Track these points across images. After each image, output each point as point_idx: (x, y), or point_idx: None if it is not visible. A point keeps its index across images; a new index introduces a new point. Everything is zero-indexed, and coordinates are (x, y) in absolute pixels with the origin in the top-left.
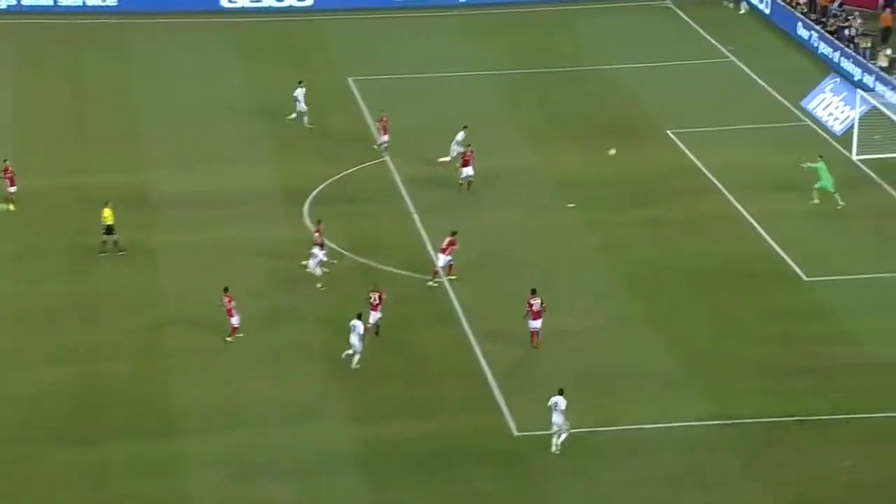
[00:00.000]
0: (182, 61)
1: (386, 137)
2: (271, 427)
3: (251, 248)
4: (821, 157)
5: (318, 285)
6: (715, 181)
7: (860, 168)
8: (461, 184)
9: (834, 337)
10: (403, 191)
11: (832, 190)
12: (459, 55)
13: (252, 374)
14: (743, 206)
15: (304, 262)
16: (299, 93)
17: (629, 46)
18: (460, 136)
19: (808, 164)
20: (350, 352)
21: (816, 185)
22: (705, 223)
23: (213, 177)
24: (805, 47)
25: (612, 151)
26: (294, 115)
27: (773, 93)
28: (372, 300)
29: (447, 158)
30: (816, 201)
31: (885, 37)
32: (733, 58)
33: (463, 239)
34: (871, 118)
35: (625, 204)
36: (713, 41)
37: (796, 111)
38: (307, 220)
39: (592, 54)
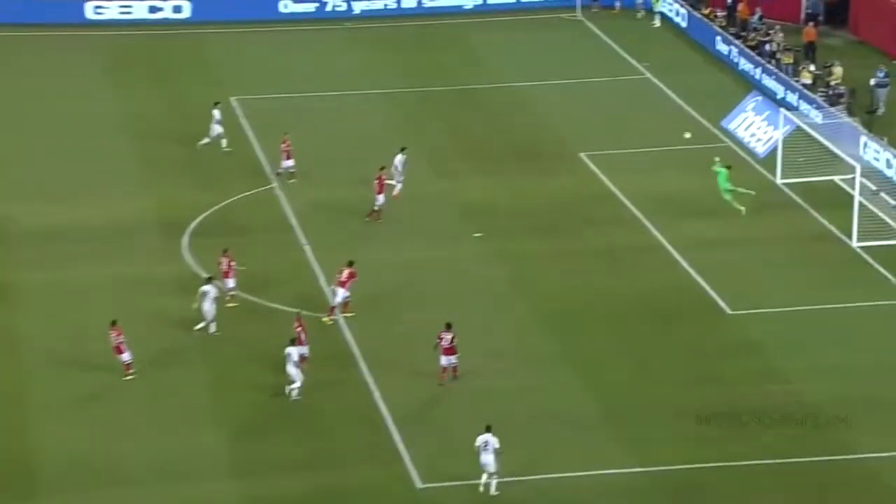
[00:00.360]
0: (43, 79)
1: (290, 162)
2: (147, 485)
3: (124, 287)
4: (729, 166)
5: (197, 327)
6: (632, 208)
7: (785, 192)
8: (375, 210)
9: (762, 376)
10: (293, 220)
11: (728, 196)
12: (351, 72)
13: (126, 426)
14: (662, 235)
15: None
16: (217, 114)
17: (536, 62)
18: (399, 158)
19: (717, 161)
20: (292, 387)
21: (734, 201)
22: (622, 253)
23: (79, 207)
24: (724, 63)
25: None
26: (223, 142)
27: (692, 112)
28: (297, 332)
29: (398, 187)
30: (742, 209)
31: (808, 52)
32: (648, 74)
33: (360, 273)
34: (796, 139)
35: (536, 233)
36: (627, 56)
37: (717, 132)
38: (186, 254)
39: (497, 71)
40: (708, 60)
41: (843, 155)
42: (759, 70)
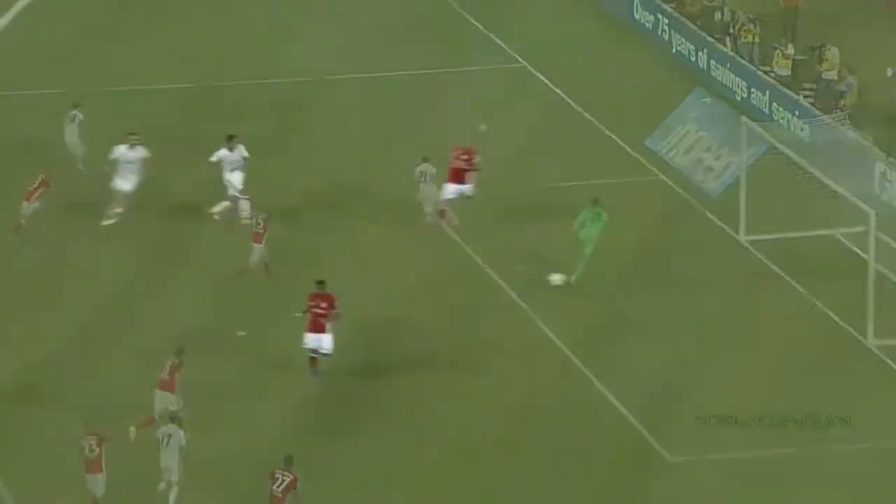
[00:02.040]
0: None
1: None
2: None
3: None
4: (597, 202)
5: None
6: (500, 283)
7: (753, 256)
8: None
9: None
10: None
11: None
12: (49, 58)
13: None
14: (552, 329)
15: None
16: (76, 114)
17: (347, 44)
18: (429, 171)
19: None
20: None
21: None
22: (499, 356)
23: None
24: (648, 42)
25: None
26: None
27: (597, 124)
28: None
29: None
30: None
31: (787, 26)
32: (525, 62)
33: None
34: (769, 168)
35: (351, 327)
36: (491, 35)
37: (638, 156)
38: None
39: (285, 58)
40: (621, 38)
41: (846, 194)
42: (704, 54)
